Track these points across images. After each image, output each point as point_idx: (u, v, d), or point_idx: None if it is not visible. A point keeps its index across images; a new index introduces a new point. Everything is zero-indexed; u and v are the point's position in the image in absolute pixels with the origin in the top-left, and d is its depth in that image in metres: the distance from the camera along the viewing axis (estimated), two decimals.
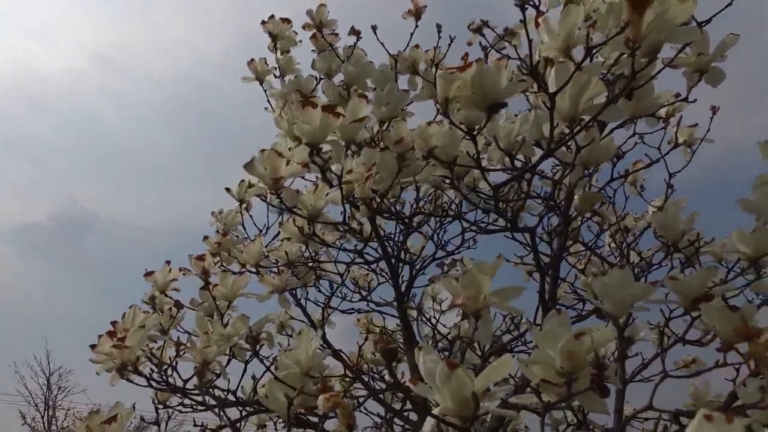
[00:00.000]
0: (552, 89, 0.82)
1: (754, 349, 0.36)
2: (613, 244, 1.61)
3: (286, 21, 1.64)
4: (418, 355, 0.65)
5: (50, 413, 9.87)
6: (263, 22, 1.62)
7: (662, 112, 1.35)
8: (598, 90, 0.84)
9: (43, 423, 9.77)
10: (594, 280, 0.90)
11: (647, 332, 1.67)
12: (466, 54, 0.89)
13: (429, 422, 0.62)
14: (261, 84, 1.66)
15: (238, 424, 1.33)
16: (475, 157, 0.90)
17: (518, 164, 0.98)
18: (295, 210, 1.13)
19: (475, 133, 0.87)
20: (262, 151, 1.15)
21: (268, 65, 1.64)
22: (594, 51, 0.80)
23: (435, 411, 0.61)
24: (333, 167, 1.10)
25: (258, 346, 1.00)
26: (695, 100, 1.10)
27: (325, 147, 1.11)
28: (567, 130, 0.88)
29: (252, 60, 1.64)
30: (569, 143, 0.91)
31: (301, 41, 1.64)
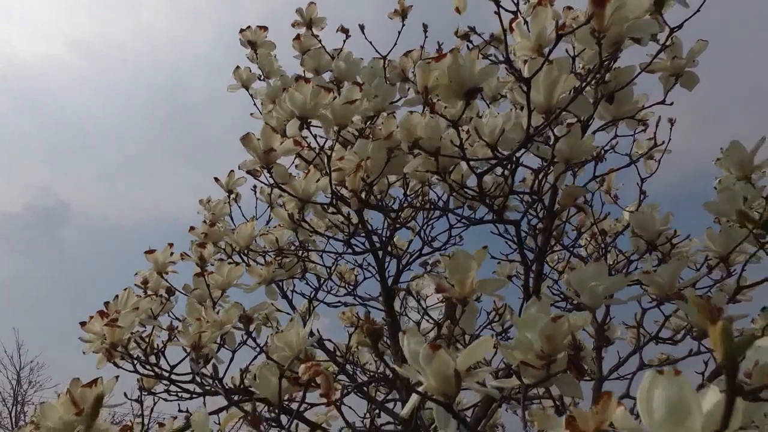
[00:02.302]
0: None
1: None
2: (590, 247, 1.67)
3: (263, 29, 1.68)
4: (403, 338, 0.68)
5: (18, 408, 9.60)
6: (241, 31, 1.66)
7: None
8: (570, 83, 0.89)
9: (11, 418, 9.50)
10: (571, 272, 0.94)
11: (623, 331, 1.74)
12: (440, 48, 0.94)
13: (413, 399, 0.65)
14: (247, 90, 1.69)
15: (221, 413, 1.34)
16: (459, 145, 0.94)
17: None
18: (285, 188, 1.15)
19: (457, 120, 0.91)
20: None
21: (251, 70, 1.67)
22: (562, 36, 0.85)
23: (420, 389, 0.64)
24: (325, 148, 1.13)
25: (252, 326, 1.02)
26: (672, 103, 1.15)
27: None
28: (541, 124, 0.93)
29: (237, 68, 1.67)
30: (548, 136, 0.95)
31: (276, 56, 1.68)
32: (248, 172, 1.28)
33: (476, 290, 0.82)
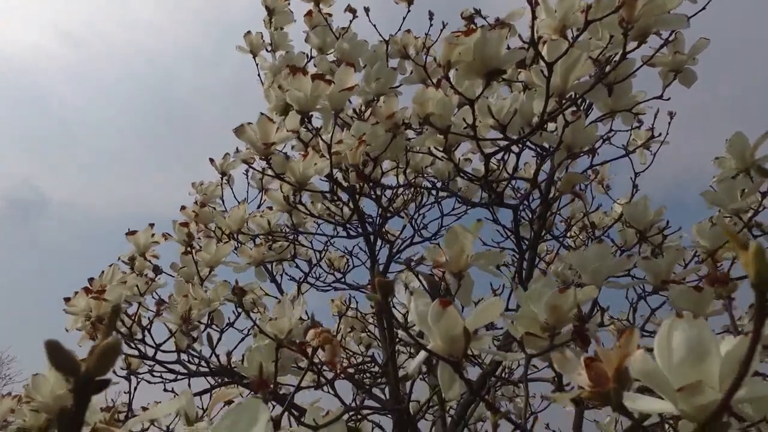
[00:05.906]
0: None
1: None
2: (579, 239, 1.69)
3: None
4: (411, 299, 0.67)
5: None
6: None
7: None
8: (586, 68, 0.89)
9: None
10: (572, 253, 0.95)
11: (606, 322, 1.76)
12: (444, 27, 0.93)
13: (420, 356, 0.64)
14: (254, 57, 1.66)
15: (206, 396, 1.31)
16: (471, 124, 0.93)
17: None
18: (283, 177, 1.14)
19: (475, 100, 0.90)
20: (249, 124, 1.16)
21: (263, 40, 1.64)
22: (590, 23, 0.85)
23: (428, 346, 0.63)
24: (324, 137, 1.11)
25: (244, 299, 0.99)
26: (669, 99, 1.17)
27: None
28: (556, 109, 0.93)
29: (248, 32, 1.64)
30: (557, 121, 0.96)
31: (291, 21, 1.65)
32: (243, 160, 1.26)
33: (472, 263, 0.82)
